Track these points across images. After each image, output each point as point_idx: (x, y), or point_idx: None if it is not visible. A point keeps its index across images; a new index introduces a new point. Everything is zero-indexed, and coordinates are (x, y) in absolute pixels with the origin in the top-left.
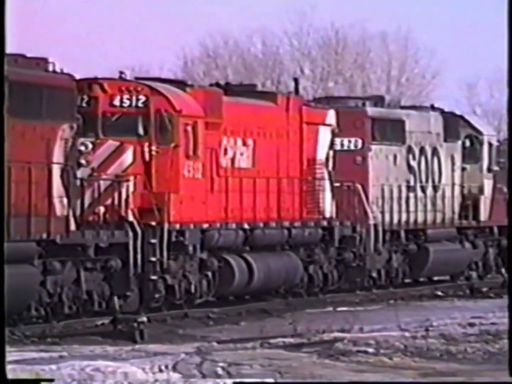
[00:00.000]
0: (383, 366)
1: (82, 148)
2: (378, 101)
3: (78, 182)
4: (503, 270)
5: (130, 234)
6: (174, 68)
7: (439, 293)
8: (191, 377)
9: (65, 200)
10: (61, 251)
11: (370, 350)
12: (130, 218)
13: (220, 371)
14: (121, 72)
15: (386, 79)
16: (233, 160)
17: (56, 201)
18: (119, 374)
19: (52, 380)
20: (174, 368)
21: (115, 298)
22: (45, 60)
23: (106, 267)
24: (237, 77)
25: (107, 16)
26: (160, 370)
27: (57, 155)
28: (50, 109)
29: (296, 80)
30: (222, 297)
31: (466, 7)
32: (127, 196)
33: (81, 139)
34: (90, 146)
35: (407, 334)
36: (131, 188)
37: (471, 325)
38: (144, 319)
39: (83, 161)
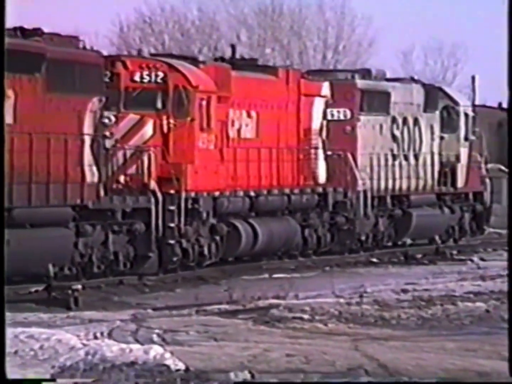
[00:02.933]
0: (318, 332)
1: (106, 120)
2: (366, 74)
3: (105, 152)
4: (436, 237)
5: (152, 200)
6: (110, 34)
7: (374, 259)
8: (127, 344)
9: (94, 169)
10: (92, 215)
11: (305, 316)
12: (152, 185)
13: (155, 338)
14: (139, 50)
15: (323, 47)
16: (239, 131)
17: (87, 169)
18: (53, 341)
19: (53, 380)
20: (109, 335)
21: (50, 266)
22: (76, 38)
23: (130, 230)
24: (174, 43)
25: None
26: (95, 337)
27: (87, 126)
28: (81, 83)
29: (233, 47)
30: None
31: None
32: (149, 165)
33: (105, 113)
34: (113, 119)
35: (341, 300)
36: (152, 158)
37: (405, 291)
38: (79, 286)
39: (107, 133)
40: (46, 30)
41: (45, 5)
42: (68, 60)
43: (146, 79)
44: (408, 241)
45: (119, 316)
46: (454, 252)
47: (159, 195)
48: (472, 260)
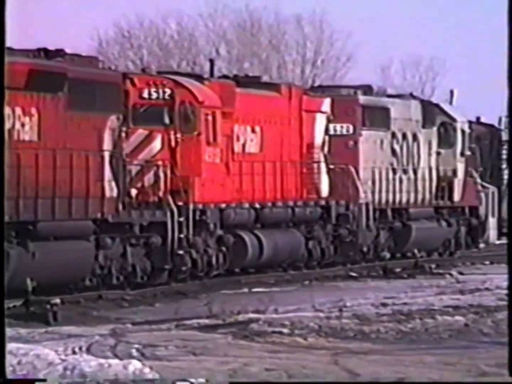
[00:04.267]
0: (297, 346)
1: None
2: (367, 90)
3: (123, 168)
4: (415, 251)
5: (168, 214)
6: (88, 49)
7: (353, 273)
8: (105, 359)
9: (113, 183)
10: (111, 228)
11: (285, 330)
12: (169, 199)
13: (134, 352)
14: (145, 68)
15: (302, 61)
16: (244, 145)
17: (106, 184)
18: (31, 356)
19: (44, 380)
20: (88, 350)
21: (28, 280)
22: (96, 58)
23: (147, 243)
24: (152, 58)
25: None
26: (74, 352)
27: (107, 143)
28: (101, 102)
29: (211, 61)
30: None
31: None
32: (165, 180)
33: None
34: (123, 134)
35: (321, 314)
36: (168, 173)
37: (384, 305)
38: (57, 301)
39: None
40: (22, 43)
41: (23, 19)
42: (88, 79)
43: (154, 95)
44: (387, 255)
45: (98, 331)
46: (433, 266)
47: (174, 209)
48: (451, 274)
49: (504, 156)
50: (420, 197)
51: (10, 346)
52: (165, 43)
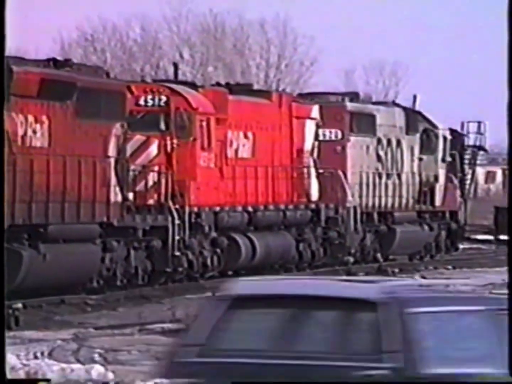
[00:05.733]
0: None
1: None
2: (354, 97)
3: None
4: (378, 255)
5: (169, 218)
6: (50, 52)
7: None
8: (67, 364)
9: (117, 189)
10: (116, 232)
11: None
12: (170, 204)
13: (97, 357)
14: (142, 77)
15: (266, 65)
16: (236, 151)
17: (111, 189)
18: None
19: (48, 380)
20: (50, 355)
21: None
22: (101, 68)
23: (148, 246)
24: (116, 61)
25: None
26: (36, 357)
27: (112, 150)
28: (107, 110)
29: (175, 65)
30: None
31: None
32: (166, 184)
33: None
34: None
35: None
36: (167, 177)
37: None
38: (19, 305)
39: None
40: None
41: None
42: (95, 88)
43: (150, 102)
44: (351, 259)
45: (60, 336)
46: (396, 270)
47: (175, 214)
48: (414, 278)
49: (467, 161)
50: (404, 201)
51: None
52: (129, 47)
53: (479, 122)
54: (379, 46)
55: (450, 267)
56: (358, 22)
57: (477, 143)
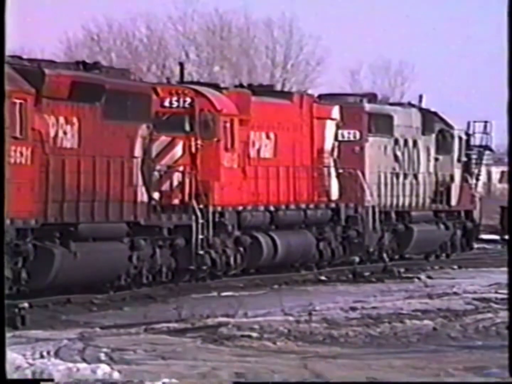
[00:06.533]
0: (266, 350)
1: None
2: (372, 98)
3: (153, 173)
4: (384, 256)
5: (193, 217)
6: (57, 52)
7: (323, 277)
8: (74, 363)
9: (144, 188)
10: (142, 231)
11: (254, 334)
12: (194, 204)
13: (103, 356)
14: (168, 78)
15: (271, 65)
16: (259, 151)
17: (138, 189)
18: None
19: (52, 380)
20: (56, 355)
21: None
22: (127, 71)
23: (173, 245)
24: (121, 61)
25: None
26: (42, 357)
27: (138, 150)
28: (133, 111)
29: (181, 65)
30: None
31: None
32: (190, 184)
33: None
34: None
35: (290, 318)
36: (191, 177)
37: (353, 309)
38: (26, 304)
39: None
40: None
41: None
42: (123, 90)
43: (175, 104)
44: (356, 259)
45: (66, 335)
46: (402, 270)
47: (199, 213)
48: (419, 278)
49: (474, 161)
50: (420, 201)
51: None
52: (135, 47)
53: (486, 122)
54: (385, 45)
55: (455, 267)
56: (364, 22)
57: (483, 143)
